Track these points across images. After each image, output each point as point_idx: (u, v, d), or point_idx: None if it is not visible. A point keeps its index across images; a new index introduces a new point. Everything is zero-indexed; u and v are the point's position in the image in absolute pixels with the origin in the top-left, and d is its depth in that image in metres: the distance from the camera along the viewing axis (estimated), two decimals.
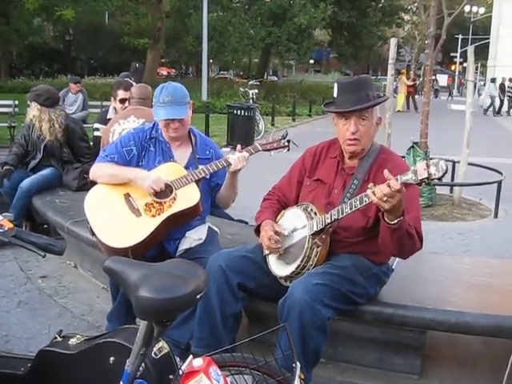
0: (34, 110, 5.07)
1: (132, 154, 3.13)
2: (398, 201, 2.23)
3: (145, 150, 3.15)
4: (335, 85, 2.71)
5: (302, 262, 2.59)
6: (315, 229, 2.58)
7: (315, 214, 2.63)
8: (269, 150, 3.05)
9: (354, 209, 2.44)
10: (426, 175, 2.14)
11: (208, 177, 3.12)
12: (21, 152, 5.25)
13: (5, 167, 5.15)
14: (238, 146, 3.03)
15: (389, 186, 2.21)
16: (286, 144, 3.04)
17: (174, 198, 2.96)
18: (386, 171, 2.25)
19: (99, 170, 3.12)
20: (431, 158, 2.20)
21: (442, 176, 2.13)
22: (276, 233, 2.71)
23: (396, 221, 2.32)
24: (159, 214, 2.94)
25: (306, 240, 2.60)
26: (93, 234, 3.02)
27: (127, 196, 3.01)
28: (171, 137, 3.12)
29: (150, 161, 3.12)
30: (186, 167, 3.10)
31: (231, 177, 3.07)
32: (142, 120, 4.10)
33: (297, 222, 2.71)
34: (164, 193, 2.97)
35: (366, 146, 2.68)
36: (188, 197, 2.96)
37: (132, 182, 3.01)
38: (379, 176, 2.43)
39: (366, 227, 2.62)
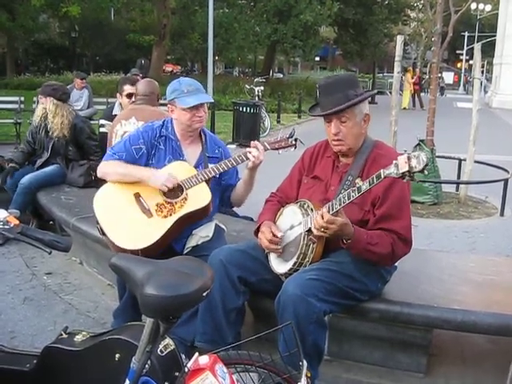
0: (49, 105, 5.09)
1: (141, 153, 3.09)
2: (336, 231, 2.38)
3: (154, 148, 3.12)
4: (317, 86, 2.73)
5: (298, 258, 2.60)
6: (309, 225, 2.58)
7: (311, 210, 2.63)
8: (277, 149, 3.04)
9: (343, 204, 2.43)
10: (407, 168, 2.13)
11: (218, 176, 3.11)
12: (28, 150, 5.31)
13: (10, 165, 5.18)
14: (253, 143, 3.00)
15: (322, 218, 2.35)
16: (294, 143, 3.03)
17: (185, 198, 2.94)
18: (323, 210, 2.41)
19: (108, 167, 3.08)
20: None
21: (423, 169, 2.11)
22: (273, 234, 2.72)
23: (346, 243, 2.45)
24: (171, 215, 2.91)
25: (301, 237, 2.61)
26: (103, 233, 2.99)
27: (137, 196, 2.99)
28: (195, 128, 3.08)
29: (161, 159, 3.09)
30: (196, 166, 3.09)
31: (251, 172, 3.05)
32: (141, 122, 4.00)
33: (294, 219, 2.72)
34: (175, 193, 2.95)
35: (352, 144, 2.69)
36: (199, 197, 2.94)
37: (143, 181, 2.98)
38: (372, 171, 2.45)
39: (362, 220, 2.62)
